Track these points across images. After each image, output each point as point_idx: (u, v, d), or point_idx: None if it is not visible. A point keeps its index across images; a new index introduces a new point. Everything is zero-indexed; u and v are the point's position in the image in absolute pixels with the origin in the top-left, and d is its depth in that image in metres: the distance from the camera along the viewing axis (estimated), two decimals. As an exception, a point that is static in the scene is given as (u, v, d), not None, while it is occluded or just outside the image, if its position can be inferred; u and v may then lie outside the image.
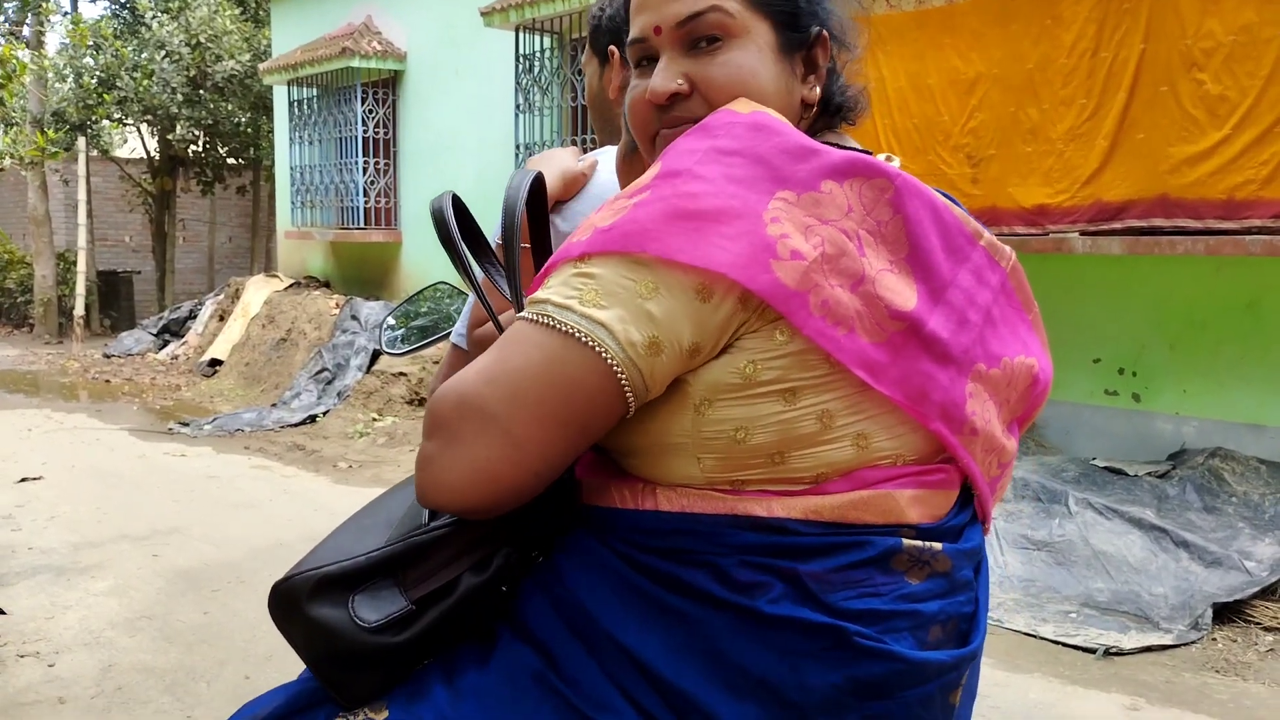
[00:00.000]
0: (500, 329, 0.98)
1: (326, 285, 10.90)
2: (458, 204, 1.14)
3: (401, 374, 8.11)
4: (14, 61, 3.75)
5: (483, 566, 0.94)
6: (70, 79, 13.49)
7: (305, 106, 10.71)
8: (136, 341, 12.21)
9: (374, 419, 7.71)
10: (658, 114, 1.00)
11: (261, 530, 5.06)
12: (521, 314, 0.88)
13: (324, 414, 7.94)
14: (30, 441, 7.18)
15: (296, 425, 7.81)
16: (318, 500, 5.69)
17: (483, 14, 7.98)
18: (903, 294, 0.88)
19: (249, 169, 15.59)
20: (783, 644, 0.85)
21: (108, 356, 11.77)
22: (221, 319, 11.25)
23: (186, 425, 7.81)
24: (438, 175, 9.55)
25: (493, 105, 8.53)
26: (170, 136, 14.04)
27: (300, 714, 0.99)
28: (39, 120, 13.92)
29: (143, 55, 13.32)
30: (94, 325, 14.69)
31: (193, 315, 12.27)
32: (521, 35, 7.96)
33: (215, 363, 10.38)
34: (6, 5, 13.62)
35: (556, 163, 1.45)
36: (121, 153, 16.32)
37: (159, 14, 13.68)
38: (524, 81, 8.01)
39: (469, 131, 9.05)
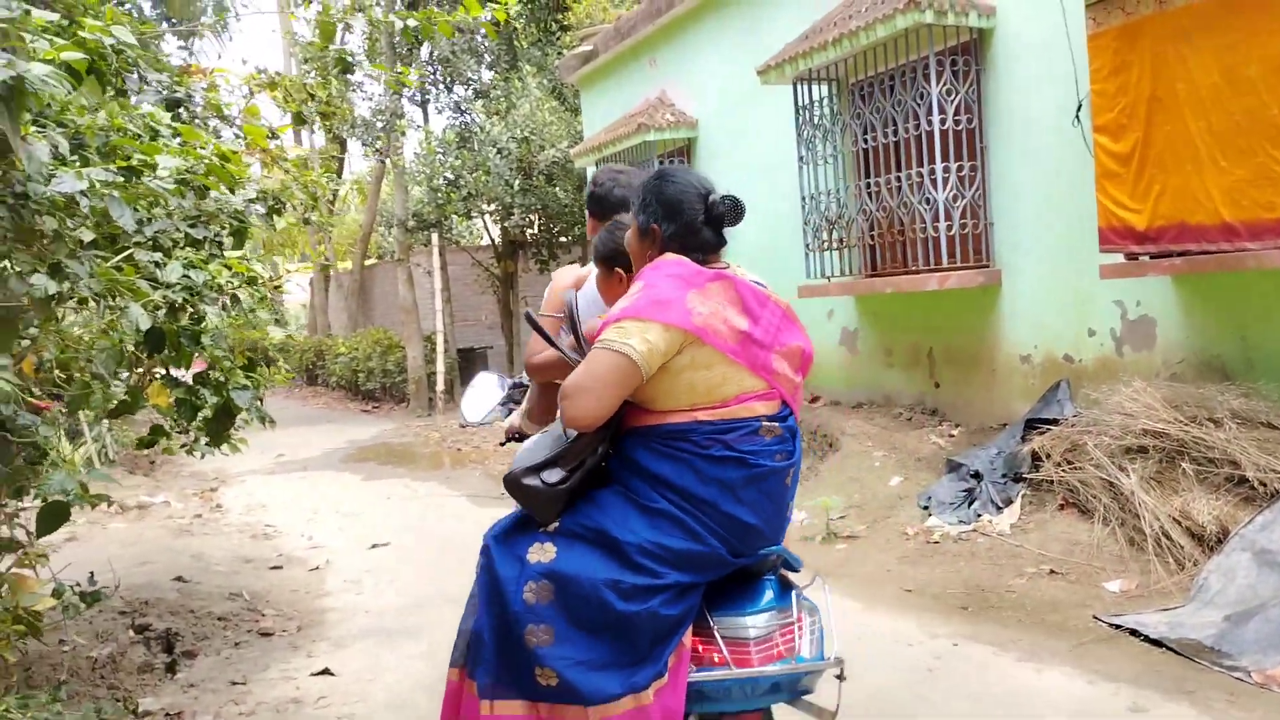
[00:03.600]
0: (563, 353, 2.55)
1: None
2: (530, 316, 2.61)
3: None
4: (319, 185, 4.34)
5: (593, 453, 2.28)
6: (424, 183, 15.35)
7: (612, 183, 11.37)
8: (490, 412, 13.47)
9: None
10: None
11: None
12: (596, 346, 2.20)
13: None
14: (386, 508, 8.14)
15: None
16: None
17: (759, 73, 8.07)
18: (742, 323, 2.26)
19: (578, 245, 16.82)
20: (721, 466, 2.21)
21: (462, 426, 13.07)
22: (552, 386, 12.12)
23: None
24: (732, 234, 9.68)
25: (779, 160, 8.56)
26: (506, 224, 15.51)
27: (524, 526, 2.31)
28: (403, 221, 16.01)
29: (479, 155, 14.88)
30: (456, 398, 16.47)
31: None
32: (799, 87, 7.95)
33: (547, 428, 11.19)
34: (373, 126, 15.83)
35: (570, 274, 3.15)
36: (470, 242, 18.28)
37: (491, 117, 15.26)
38: (805, 133, 7.97)
39: (758, 187, 9.12)
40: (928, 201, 6.77)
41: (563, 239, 16.29)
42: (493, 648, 2.23)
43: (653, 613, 2.16)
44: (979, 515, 5.74)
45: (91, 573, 3.82)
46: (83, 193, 2.63)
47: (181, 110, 3.64)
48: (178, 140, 3.18)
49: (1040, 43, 6.23)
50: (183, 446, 3.62)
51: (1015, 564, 5.07)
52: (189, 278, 3.10)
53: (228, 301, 3.17)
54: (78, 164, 2.77)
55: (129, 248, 3.37)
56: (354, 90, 16.94)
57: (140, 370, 3.16)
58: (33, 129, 2.71)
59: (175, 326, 3.05)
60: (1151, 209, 5.30)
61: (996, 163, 6.74)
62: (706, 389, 2.22)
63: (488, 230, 16.76)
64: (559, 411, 2.21)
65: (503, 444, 3.34)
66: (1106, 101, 5.45)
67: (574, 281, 2.96)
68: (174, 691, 4.24)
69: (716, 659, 2.24)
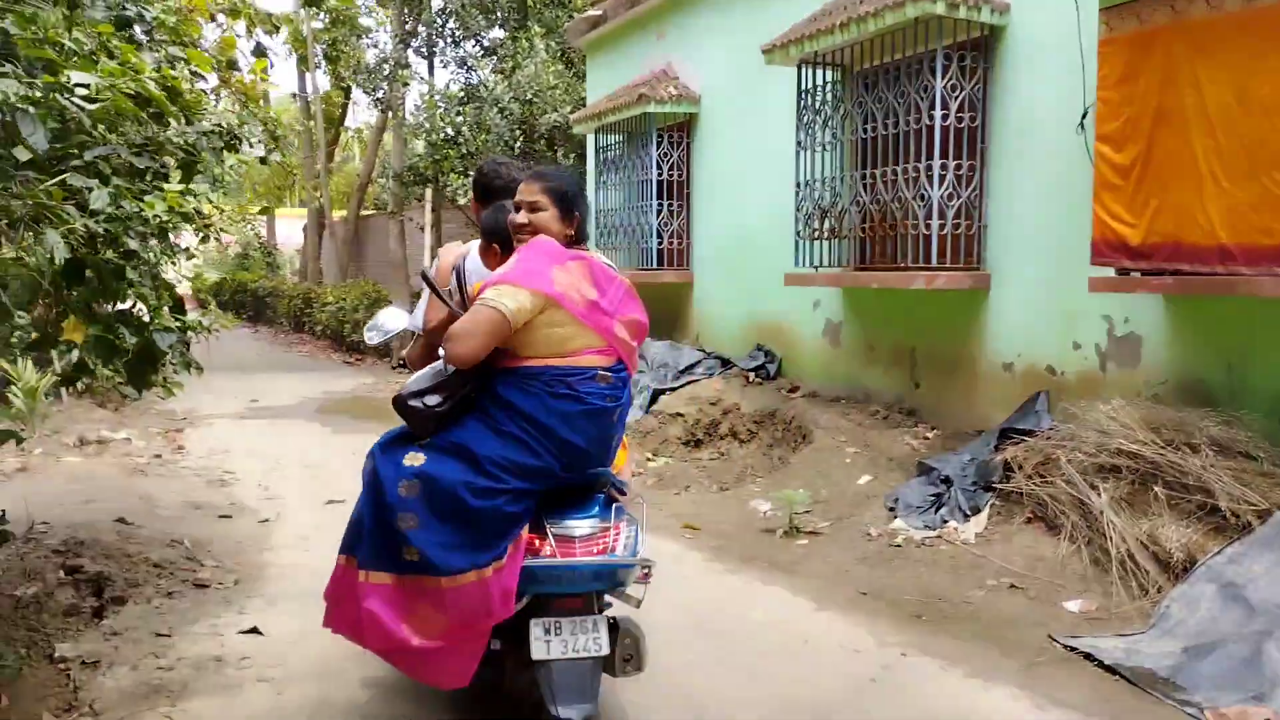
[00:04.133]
0: (454, 312, 3.16)
1: (626, 323, 11.22)
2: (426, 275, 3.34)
3: (679, 414, 8.12)
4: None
5: (464, 386, 2.99)
6: (422, 138, 15.10)
7: (609, 152, 11.17)
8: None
9: (648, 459, 7.76)
10: (516, 232, 3.13)
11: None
12: (477, 303, 2.90)
13: (602, 452, 8.11)
14: (349, 464, 7.96)
15: (577, 462, 8.05)
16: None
17: (764, 51, 7.85)
18: (591, 294, 3.00)
19: (574, 212, 16.59)
20: (562, 401, 2.93)
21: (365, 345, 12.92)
22: (533, 354, 11.96)
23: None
24: (725, 215, 9.53)
25: (778, 143, 8.36)
26: (502, 185, 15.26)
27: (403, 439, 3.06)
28: (399, 174, 15.78)
29: (481, 113, 14.63)
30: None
31: (513, 350, 13.18)
32: (804, 70, 7.74)
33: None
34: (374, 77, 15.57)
35: (455, 249, 3.73)
36: (467, 200, 18.03)
37: (496, 76, 15.00)
38: (805, 117, 7.76)
39: (755, 171, 8.94)
40: (922, 198, 6.59)
41: (560, 206, 16.07)
42: (371, 530, 2.98)
43: (497, 509, 2.90)
44: (945, 521, 5.60)
45: (3, 511, 3.65)
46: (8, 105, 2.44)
47: (135, 29, 3.43)
48: (114, 61, 2.98)
49: (1052, 44, 6.03)
50: (87, 387, 3.43)
51: (976, 575, 4.95)
52: (121, 208, 2.91)
53: (154, 236, 2.97)
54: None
55: (65, 171, 3.19)
56: (359, 36, 16.67)
57: (49, 303, 2.98)
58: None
59: (98, 259, 2.87)
60: (1148, 224, 5.14)
61: (996, 164, 6.56)
62: (559, 341, 2.96)
63: (484, 191, 16.51)
64: (441, 351, 3.00)
65: (394, 368, 4.59)
66: (1112, 110, 5.27)
67: (458, 255, 3.62)
68: (95, 639, 4.10)
69: (548, 552, 2.98)
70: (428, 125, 15.07)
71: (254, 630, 4.25)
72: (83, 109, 2.55)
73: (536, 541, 2.98)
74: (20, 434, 2.92)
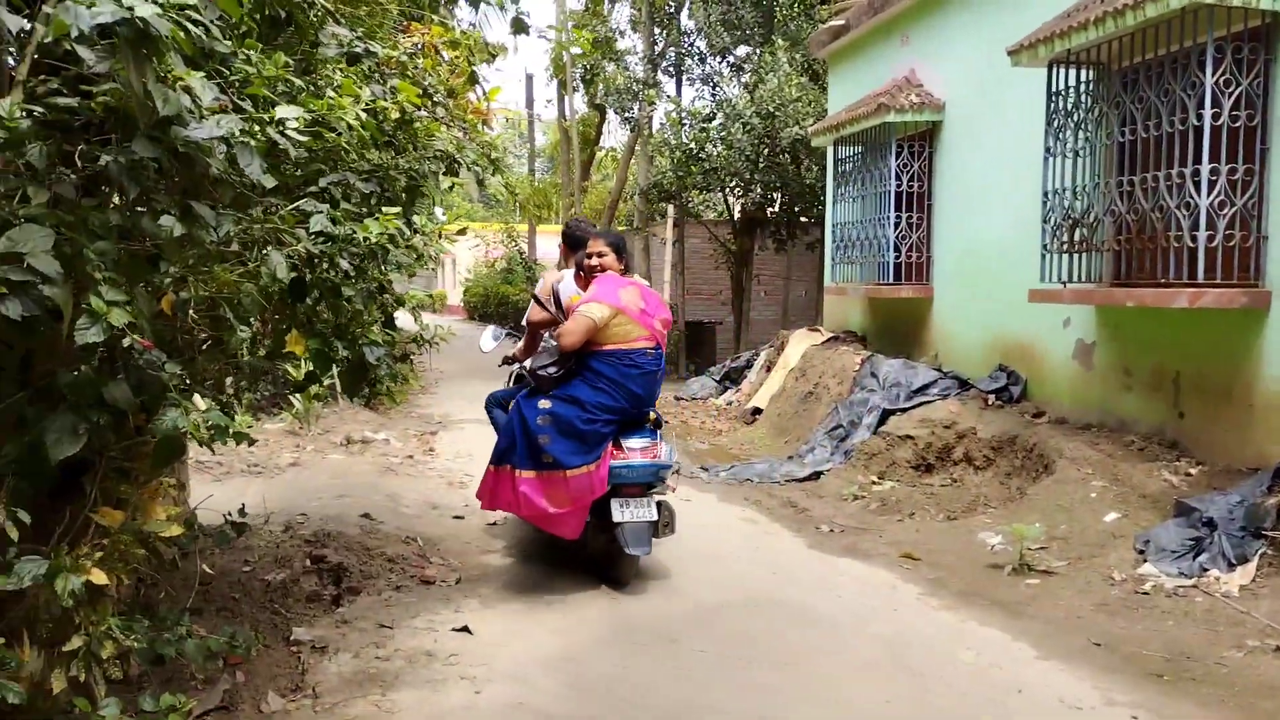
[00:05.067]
0: (554, 316, 5.48)
1: (863, 340, 10.91)
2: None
3: (909, 437, 7.75)
4: (498, 152, 4.36)
5: (570, 361, 5.03)
6: (666, 155, 15.42)
7: (847, 164, 10.90)
8: (701, 387, 13.44)
9: (873, 482, 7.47)
10: (589, 271, 5.28)
11: (713, 588, 5.15)
12: (576, 312, 4.97)
13: (827, 471, 7.89)
14: (578, 475, 8.25)
15: (801, 480, 7.88)
16: (782, 563, 5.64)
17: (1010, 53, 7.38)
18: (641, 304, 5.06)
19: (818, 226, 16.35)
20: (628, 367, 4.96)
21: (678, 399, 13.11)
22: (768, 369, 11.87)
23: (707, 470, 8.34)
24: (968, 227, 9.02)
25: (1026, 151, 7.82)
26: (745, 200, 15.29)
27: (534, 393, 5.04)
28: (644, 191, 16.20)
29: (725, 129, 14.74)
30: (681, 370, 16.55)
31: (749, 365, 13.15)
32: (1054, 70, 7.18)
33: (757, 411, 10.98)
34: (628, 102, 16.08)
35: (552, 278, 5.79)
36: (719, 215, 18.24)
37: (740, 90, 15.07)
38: (1055, 121, 7.20)
39: (1001, 180, 8.41)
40: (1188, 206, 5.93)
41: (803, 219, 15.88)
42: (521, 446, 4.90)
43: (595, 431, 4.86)
44: (1204, 570, 4.99)
45: (242, 505, 4.04)
46: (224, 140, 2.70)
47: (364, 64, 3.71)
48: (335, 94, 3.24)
49: (1352, 25, 5.25)
50: (316, 398, 3.72)
51: (1236, 633, 4.36)
52: (337, 230, 3.16)
53: (364, 255, 3.19)
54: (229, 110, 2.86)
55: (302, 197, 3.50)
56: (611, 60, 17.30)
57: (268, 316, 3.27)
58: (192, 72, 2.81)
59: (317, 277, 3.12)
60: None
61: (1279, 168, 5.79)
62: (624, 334, 4.96)
63: (727, 205, 16.61)
64: (553, 340, 5.14)
65: (500, 365, 6.27)
66: None
67: (555, 280, 5.71)
68: (328, 625, 4.45)
69: (621, 457, 4.92)
70: (672, 142, 15.37)
71: (465, 629, 4.45)
72: (293, 141, 2.77)
73: (615, 451, 4.97)
74: (251, 436, 3.21)
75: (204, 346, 3.61)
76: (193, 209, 2.61)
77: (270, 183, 3.47)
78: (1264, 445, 5.75)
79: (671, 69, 17.34)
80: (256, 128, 2.70)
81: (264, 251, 3.00)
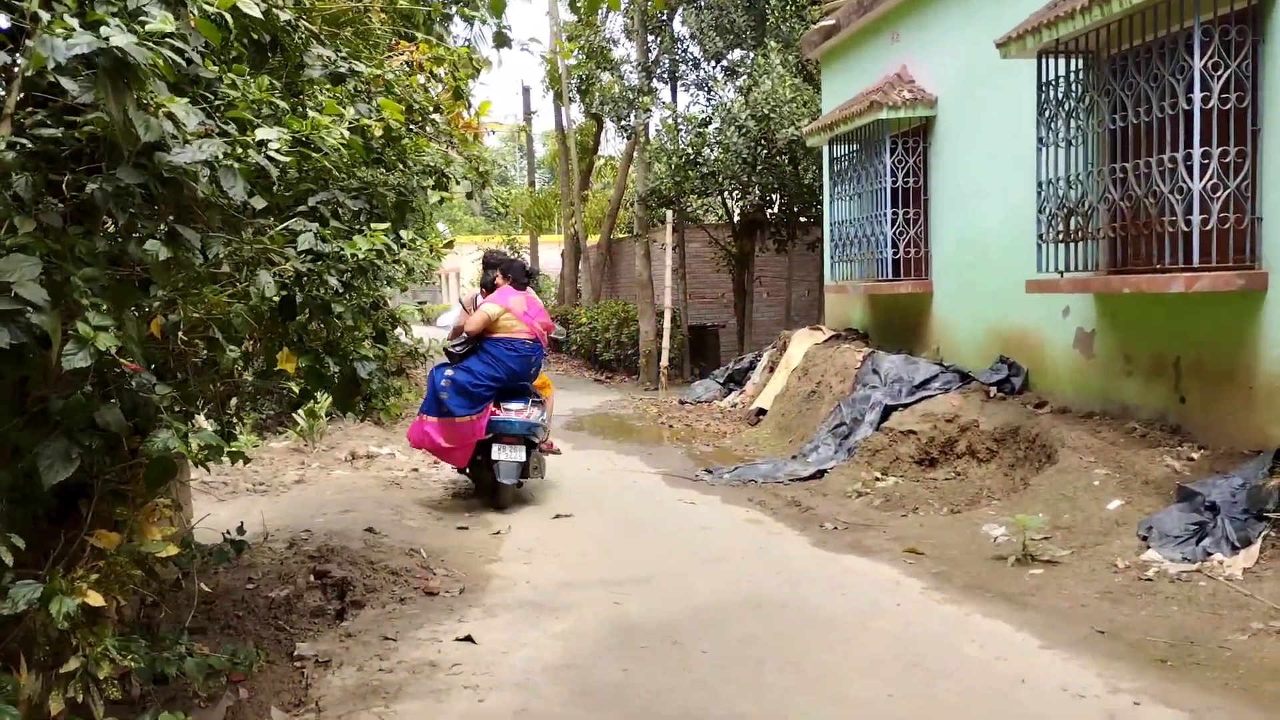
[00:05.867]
0: (470, 315, 7.38)
1: (865, 338, 10.91)
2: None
3: (911, 432, 7.75)
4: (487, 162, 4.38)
5: (470, 344, 7.13)
6: (664, 160, 15.45)
7: (843, 163, 10.91)
8: (706, 389, 13.45)
9: (876, 479, 7.47)
10: (489, 286, 7.55)
11: (718, 588, 5.17)
12: (478, 311, 7.13)
13: (831, 469, 7.90)
14: (583, 479, 8.27)
15: (805, 479, 7.88)
16: (787, 563, 5.65)
17: (999, 45, 7.39)
18: (524, 307, 7.19)
19: (817, 225, 16.34)
20: (510, 351, 7.04)
21: (682, 403, 13.13)
22: (771, 370, 11.88)
23: (710, 473, 8.35)
24: (965, 220, 9.03)
25: (1019, 142, 7.83)
26: (743, 203, 15.31)
27: (444, 366, 7.15)
28: (643, 197, 16.23)
29: (721, 133, 14.76)
30: (685, 373, 16.57)
31: (752, 366, 13.16)
32: (1044, 61, 7.19)
33: (761, 412, 10.98)
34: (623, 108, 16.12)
35: (471, 294, 7.83)
36: (719, 219, 18.26)
37: (735, 94, 15.09)
38: (1047, 111, 7.21)
39: (996, 173, 8.42)
40: (1180, 191, 5.93)
41: (802, 219, 15.88)
42: (430, 400, 6.98)
43: (480, 393, 6.88)
44: (1208, 554, 4.98)
45: (241, 524, 4.07)
46: (208, 164, 2.73)
47: (349, 84, 3.75)
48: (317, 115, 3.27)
49: (1336, 4, 5.24)
50: (314, 414, 3.73)
51: (1240, 616, 4.35)
52: (325, 247, 3.19)
53: (353, 271, 3.22)
54: (215, 134, 2.89)
55: (292, 216, 3.54)
56: (606, 69, 17.33)
57: (258, 335, 3.30)
58: (175, 98, 2.84)
59: (307, 295, 3.15)
60: None
61: (1272, 149, 5.77)
62: (509, 327, 7.00)
63: (726, 209, 16.63)
64: (462, 331, 7.16)
65: (445, 349, 7.25)
66: None
67: (473, 295, 7.60)
68: (332, 639, 4.47)
69: (501, 414, 6.92)
70: (669, 148, 15.40)
71: (468, 639, 4.47)
72: (276, 162, 2.80)
73: (494, 410, 6.95)
74: (247, 455, 3.24)
75: (198, 368, 3.65)
76: (179, 233, 2.64)
77: (260, 204, 3.51)
78: (1266, 427, 5.74)
79: (666, 76, 17.35)
80: (239, 150, 2.73)
81: (254, 272, 3.03)
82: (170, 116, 2.74)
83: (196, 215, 3.10)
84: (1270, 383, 5.78)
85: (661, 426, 11.33)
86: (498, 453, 6.91)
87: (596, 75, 17.74)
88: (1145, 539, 5.26)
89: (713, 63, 17.11)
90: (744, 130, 14.24)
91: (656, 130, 16.16)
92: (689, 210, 16.79)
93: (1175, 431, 6.43)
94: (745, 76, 15.44)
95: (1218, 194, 5.84)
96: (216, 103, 3.11)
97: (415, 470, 8.64)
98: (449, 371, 6.96)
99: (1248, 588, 4.55)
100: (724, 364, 15.74)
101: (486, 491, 7.22)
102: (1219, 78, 5.81)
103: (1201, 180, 5.82)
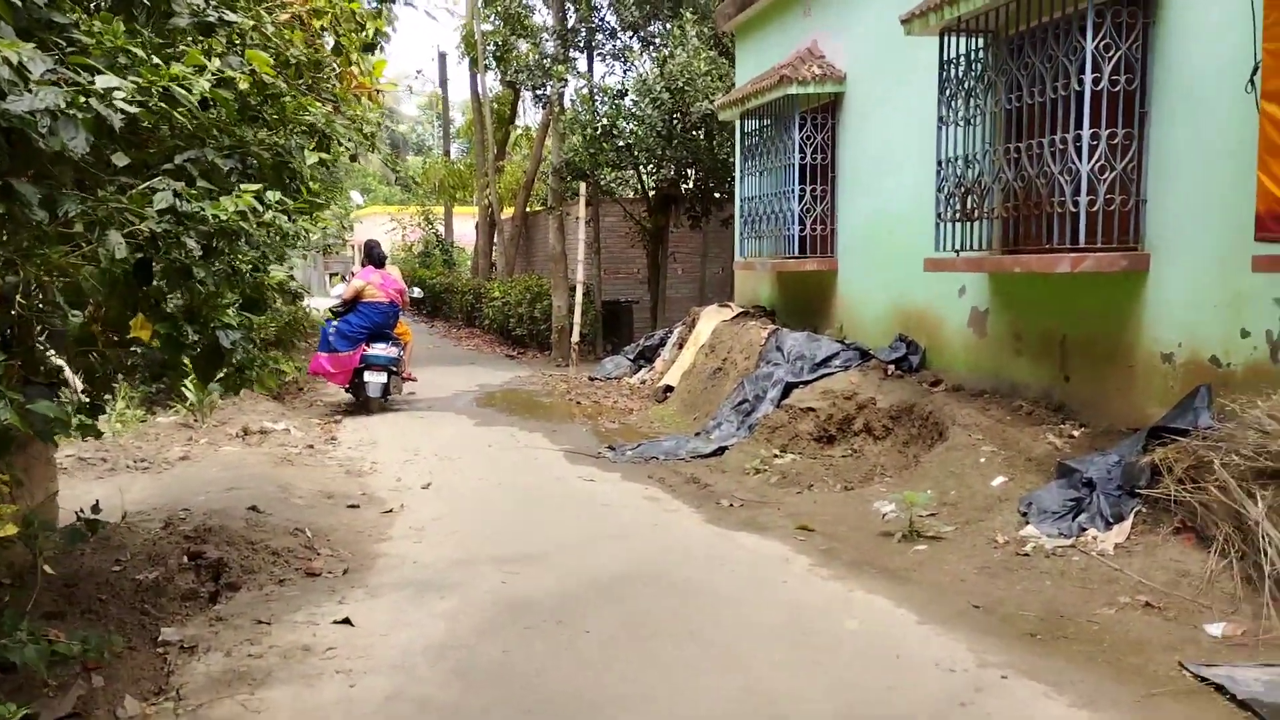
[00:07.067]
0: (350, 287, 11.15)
1: (772, 315, 10.96)
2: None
3: (811, 409, 7.81)
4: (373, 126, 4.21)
5: (347, 307, 10.82)
6: (578, 133, 15.25)
7: (754, 138, 10.90)
8: (616, 366, 13.38)
9: (775, 456, 7.51)
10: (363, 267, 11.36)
11: (611, 565, 5.13)
12: (352, 283, 11.01)
13: (731, 446, 7.92)
14: (484, 456, 8.15)
15: (706, 456, 7.89)
16: (681, 540, 5.63)
17: (903, 21, 7.42)
18: (379, 280, 10.87)
19: (731, 201, 16.33)
20: (374, 309, 10.69)
21: (592, 379, 13.04)
22: (680, 347, 11.86)
23: (614, 450, 8.30)
24: (870, 198, 9.10)
25: (923, 121, 7.89)
26: (655, 177, 15.21)
27: (332, 319, 10.90)
28: (557, 169, 16.02)
29: (637, 105, 14.62)
30: (598, 350, 16.47)
31: (663, 343, 13.13)
32: (946, 39, 7.24)
33: (669, 389, 10.96)
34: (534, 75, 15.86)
35: (355, 270, 12.08)
36: (627, 193, 18.13)
37: (652, 66, 14.95)
38: (947, 90, 7.27)
39: (900, 151, 8.49)
40: (1069, 172, 6.03)
41: (717, 195, 15.86)
42: (324, 341, 10.52)
43: (354, 337, 10.45)
44: (1083, 529, 5.11)
45: (96, 501, 3.87)
46: (49, 112, 2.54)
47: (219, 34, 3.54)
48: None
49: (1219, -7, 5.36)
50: (154, 386, 3.56)
51: (1109, 590, 4.47)
52: (184, 207, 3.00)
53: (214, 234, 3.03)
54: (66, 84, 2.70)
55: (157, 174, 3.33)
56: (523, 37, 17.02)
57: (103, 300, 3.10)
58: (20, 43, 2.64)
59: (166, 258, 2.96)
60: (1323, 193, 4.47)
61: (1158, 132, 5.91)
62: (371, 294, 10.63)
63: (641, 183, 16.52)
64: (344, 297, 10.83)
65: (331, 309, 10.94)
66: (1278, 63, 4.61)
67: (357, 272, 11.30)
68: (201, 624, 4.30)
69: (370, 350, 10.51)
70: (584, 119, 15.21)
71: (346, 621, 4.35)
72: (119, 113, 2.61)
73: (365, 348, 10.44)
74: (99, 430, 3.05)
75: (49, 334, 3.43)
76: (13, 187, 2.45)
77: (123, 161, 3.29)
78: (1144, 406, 5.91)
79: (583, 45, 17.11)
80: (81, 99, 2.54)
81: (105, 232, 2.84)
82: (7, 62, 2.54)
83: (47, 170, 2.90)
84: (1149, 362, 5.95)
85: (569, 403, 11.24)
86: (368, 376, 10.49)
87: (513, 42, 17.41)
88: (1025, 515, 5.37)
89: (629, 33, 16.92)
90: (659, 103, 14.13)
91: (572, 100, 15.94)
92: (604, 183, 16.63)
93: (1059, 409, 6.58)
94: (661, 48, 15.31)
95: (1105, 175, 5.95)
96: (70, 50, 2.90)
97: (311, 447, 8.42)
98: (335, 323, 10.56)
99: (1118, 562, 4.67)
100: (637, 340, 15.69)
101: (361, 405, 10.74)
102: (1110, 59, 5.91)
103: (1090, 162, 5.93)
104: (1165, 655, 3.79)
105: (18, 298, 2.79)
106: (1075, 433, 6.10)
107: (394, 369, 10.65)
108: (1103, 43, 5.92)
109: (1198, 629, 3.99)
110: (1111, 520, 5.04)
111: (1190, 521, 4.65)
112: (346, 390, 10.91)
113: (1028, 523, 5.27)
